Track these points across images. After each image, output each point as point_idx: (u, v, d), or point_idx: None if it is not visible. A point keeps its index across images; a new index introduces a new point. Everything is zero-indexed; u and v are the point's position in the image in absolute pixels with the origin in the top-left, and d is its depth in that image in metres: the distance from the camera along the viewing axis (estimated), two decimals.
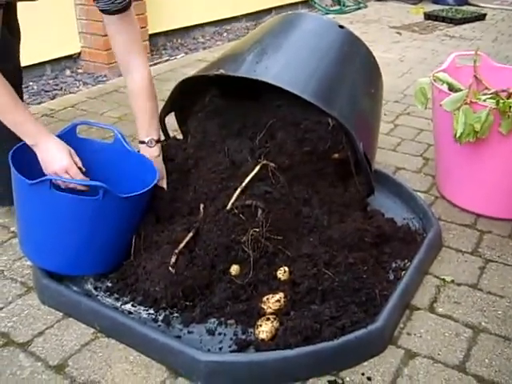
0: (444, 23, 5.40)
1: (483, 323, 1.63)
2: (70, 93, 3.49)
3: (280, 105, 1.95)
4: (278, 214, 1.72)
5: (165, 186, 1.86)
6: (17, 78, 2.04)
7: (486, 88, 2.19)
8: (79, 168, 1.67)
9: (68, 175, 1.64)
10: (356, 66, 2.05)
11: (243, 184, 1.74)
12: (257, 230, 1.63)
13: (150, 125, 1.82)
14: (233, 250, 1.64)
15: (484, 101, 1.99)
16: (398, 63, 4.08)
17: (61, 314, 1.65)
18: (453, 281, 1.80)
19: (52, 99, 3.35)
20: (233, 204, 1.70)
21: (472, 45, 4.52)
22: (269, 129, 1.89)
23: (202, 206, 1.78)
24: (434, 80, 2.15)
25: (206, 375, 1.41)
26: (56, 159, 1.63)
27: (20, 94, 2.02)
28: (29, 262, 1.83)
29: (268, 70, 1.85)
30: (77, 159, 1.68)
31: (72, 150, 1.68)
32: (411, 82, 3.57)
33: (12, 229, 2.03)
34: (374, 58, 2.11)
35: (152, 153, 1.83)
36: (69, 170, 1.64)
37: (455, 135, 1.96)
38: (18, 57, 2.10)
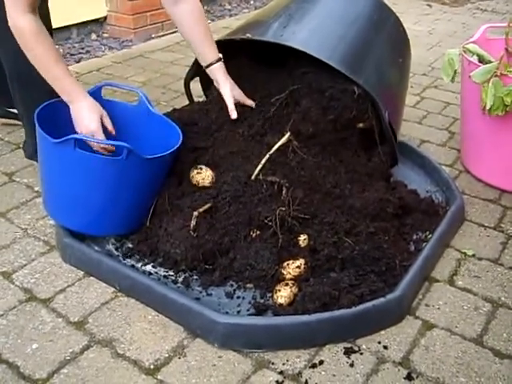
0: None
1: (503, 298, 1.62)
2: (96, 57, 3.48)
3: (306, 72, 1.93)
4: (301, 182, 1.72)
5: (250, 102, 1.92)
6: None
7: None
8: (110, 132, 1.69)
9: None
10: (384, 34, 2.02)
11: (267, 155, 1.72)
12: (281, 205, 1.63)
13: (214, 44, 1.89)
14: (255, 216, 1.63)
15: None
16: (427, 36, 4.00)
17: (82, 272, 1.67)
18: (474, 255, 1.79)
19: (77, 62, 3.35)
20: (259, 170, 1.69)
21: (505, 19, 4.39)
22: (293, 95, 1.87)
23: (225, 170, 1.77)
24: (464, 51, 2.10)
25: (223, 337, 1.42)
26: (85, 121, 1.65)
27: None
28: (52, 221, 1.85)
29: (295, 36, 1.83)
30: (108, 122, 1.70)
31: (105, 113, 1.70)
32: (440, 55, 3.51)
33: (36, 188, 2.05)
34: (403, 26, 2.07)
35: (223, 70, 1.88)
36: (95, 133, 1.65)
37: (484, 107, 1.92)
38: (49, 18, 2.10)
